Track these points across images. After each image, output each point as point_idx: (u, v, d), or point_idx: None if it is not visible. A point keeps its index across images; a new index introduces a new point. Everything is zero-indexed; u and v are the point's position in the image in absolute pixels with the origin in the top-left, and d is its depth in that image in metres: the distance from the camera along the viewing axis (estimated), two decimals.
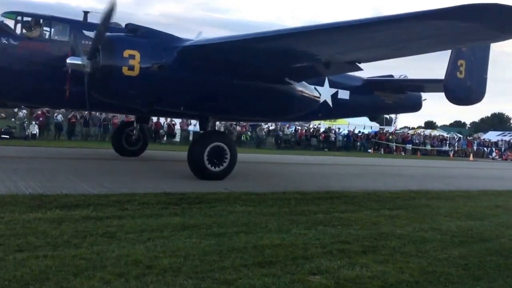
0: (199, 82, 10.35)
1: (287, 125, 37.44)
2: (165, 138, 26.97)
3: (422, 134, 41.33)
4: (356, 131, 36.86)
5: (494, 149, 39.41)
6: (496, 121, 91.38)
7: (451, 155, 35.82)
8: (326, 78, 14.31)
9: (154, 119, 27.12)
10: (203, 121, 11.88)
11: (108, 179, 9.67)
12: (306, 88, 12.29)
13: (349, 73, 16.49)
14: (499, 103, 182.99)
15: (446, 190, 12.08)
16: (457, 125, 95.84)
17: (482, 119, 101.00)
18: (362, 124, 44.17)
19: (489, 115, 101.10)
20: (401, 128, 44.32)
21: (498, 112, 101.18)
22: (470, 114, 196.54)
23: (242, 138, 29.41)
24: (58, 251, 4.63)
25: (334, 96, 14.80)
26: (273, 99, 11.63)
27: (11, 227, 5.35)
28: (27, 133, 21.83)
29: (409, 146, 35.05)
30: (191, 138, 27.80)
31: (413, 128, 60.67)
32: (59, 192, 7.53)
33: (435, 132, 49.03)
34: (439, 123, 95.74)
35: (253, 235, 5.83)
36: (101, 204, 6.91)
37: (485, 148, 39.52)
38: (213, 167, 10.59)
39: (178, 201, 7.61)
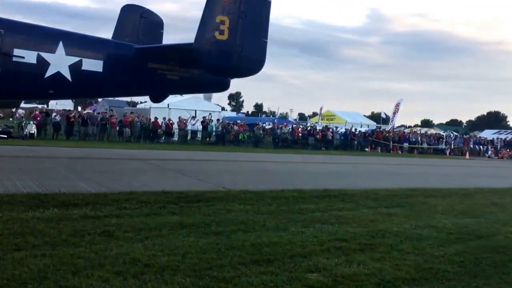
0: None
1: (285, 123, 37.52)
2: (163, 138, 26.95)
3: (418, 132, 41.42)
4: (353, 129, 36.88)
5: (490, 147, 39.52)
6: (492, 120, 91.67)
7: (448, 153, 35.91)
8: (61, 42, 11.00)
9: (152, 118, 27.19)
10: None
11: (106, 178, 9.67)
12: None
13: (112, 39, 13.16)
14: (496, 102, 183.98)
15: (442, 188, 12.12)
16: (454, 124, 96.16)
17: (478, 117, 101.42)
18: (359, 123, 44.31)
19: (485, 114, 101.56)
20: (398, 127, 44.39)
21: (494, 111, 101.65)
22: (466, 112, 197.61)
23: (240, 137, 29.40)
24: (56, 250, 4.64)
25: (76, 67, 11.12)
26: None
27: (9, 226, 5.36)
28: (25, 132, 21.79)
29: (406, 145, 35.13)
30: (189, 136, 27.85)
31: (409, 127, 60.90)
32: (57, 191, 7.52)
33: (432, 131, 49.14)
34: (435, 122, 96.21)
35: (251, 233, 5.85)
36: (99, 203, 6.92)
37: (481, 146, 39.63)
38: None
39: (177, 199, 7.62)
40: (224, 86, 14.09)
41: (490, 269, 5.11)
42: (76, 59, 11.20)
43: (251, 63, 11.57)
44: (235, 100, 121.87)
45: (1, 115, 38.87)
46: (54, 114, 26.28)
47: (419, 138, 37.57)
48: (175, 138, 27.40)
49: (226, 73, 12.37)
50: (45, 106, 45.41)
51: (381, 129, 39.97)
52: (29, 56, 10.57)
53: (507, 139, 42.25)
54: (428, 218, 7.75)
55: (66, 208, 6.45)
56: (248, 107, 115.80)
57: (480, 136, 44.77)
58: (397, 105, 38.59)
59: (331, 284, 4.24)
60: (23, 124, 23.01)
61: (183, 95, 31.81)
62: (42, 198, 6.96)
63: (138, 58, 12.19)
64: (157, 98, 15.21)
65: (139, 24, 13.92)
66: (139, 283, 3.92)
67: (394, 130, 38.61)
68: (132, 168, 12.37)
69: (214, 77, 12.82)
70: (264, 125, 35.04)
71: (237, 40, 10.95)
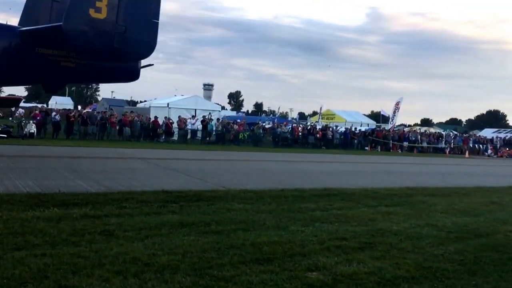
0: None
1: (285, 123, 37.52)
2: (163, 137, 26.95)
3: (418, 131, 41.42)
4: (353, 129, 36.89)
5: (489, 146, 39.51)
6: (492, 119, 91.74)
7: (447, 152, 35.91)
8: None
9: (152, 117, 27.18)
10: None
11: (106, 177, 9.68)
12: None
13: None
14: (496, 101, 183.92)
15: (442, 187, 12.13)
16: (453, 123, 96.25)
17: (477, 116, 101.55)
18: (359, 122, 44.32)
19: (484, 113, 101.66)
20: (397, 126, 44.39)
21: (494, 110, 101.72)
22: (466, 111, 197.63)
23: (240, 137, 29.39)
24: (56, 249, 4.65)
25: None
26: None
27: (9, 226, 5.36)
28: (24, 132, 21.78)
29: (405, 144, 35.15)
30: (189, 136, 27.85)
31: (409, 126, 60.94)
32: (57, 191, 7.53)
33: (431, 130, 49.10)
34: (435, 121, 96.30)
35: (251, 232, 5.86)
36: (99, 202, 6.93)
37: (480, 145, 39.62)
38: None
39: (176, 199, 7.64)
40: (133, 76, 12.28)
41: (489, 268, 5.11)
42: None
43: (138, 46, 10.34)
44: (235, 99, 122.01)
45: (1, 114, 38.87)
46: (53, 113, 26.26)
47: (419, 137, 37.56)
48: (175, 137, 27.39)
49: (106, 57, 10.71)
50: (45, 105, 45.42)
51: (381, 128, 39.96)
52: None
53: (507, 138, 42.26)
54: (427, 217, 7.76)
55: (66, 208, 6.45)
56: (248, 106, 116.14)
57: (479, 135, 44.76)
58: (397, 104, 38.57)
59: (331, 283, 4.25)
60: (23, 123, 22.98)
61: (183, 95, 31.86)
62: (42, 197, 6.97)
63: (24, 42, 10.63)
64: (50, 87, 13.62)
65: (51, 9, 12.14)
66: (139, 282, 3.92)
67: (394, 129, 38.60)
68: (132, 168, 12.38)
69: (122, 64, 11.44)
70: (264, 124, 35.05)
71: (118, 19, 9.77)
